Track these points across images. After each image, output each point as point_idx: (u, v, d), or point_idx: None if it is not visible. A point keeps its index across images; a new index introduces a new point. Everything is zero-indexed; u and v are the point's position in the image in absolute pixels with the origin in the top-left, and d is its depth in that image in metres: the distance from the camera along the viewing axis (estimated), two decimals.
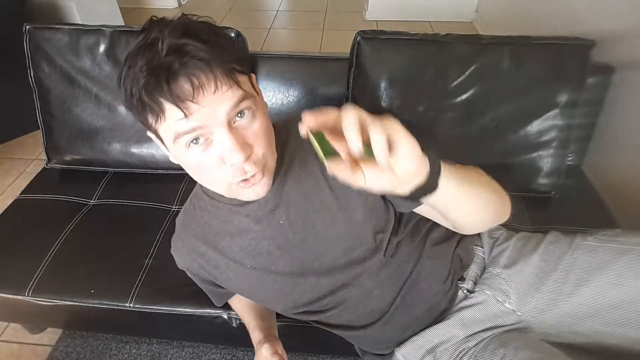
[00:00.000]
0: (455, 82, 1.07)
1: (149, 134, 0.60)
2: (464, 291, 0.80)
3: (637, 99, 1.14)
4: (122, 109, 1.18)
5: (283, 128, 0.71)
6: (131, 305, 0.96)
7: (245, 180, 0.57)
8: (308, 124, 0.41)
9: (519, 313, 0.77)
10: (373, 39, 1.08)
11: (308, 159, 0.68)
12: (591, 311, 0.72)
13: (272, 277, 0.73)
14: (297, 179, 0.68)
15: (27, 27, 1.15)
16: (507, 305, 0.77)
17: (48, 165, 1.28)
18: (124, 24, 1.66)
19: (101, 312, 0.99)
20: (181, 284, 0.84)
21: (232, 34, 1.12)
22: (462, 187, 0.53)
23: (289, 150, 0.68)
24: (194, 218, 0.75)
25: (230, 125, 0.52)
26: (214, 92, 0.50)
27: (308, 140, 0.43)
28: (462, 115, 1.08)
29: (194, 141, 0.53)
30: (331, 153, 0.42)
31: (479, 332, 0.76)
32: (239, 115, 0.54)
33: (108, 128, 1.20)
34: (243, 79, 0.55)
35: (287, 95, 1.18)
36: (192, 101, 0.49)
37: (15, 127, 2.02)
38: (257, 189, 0.59)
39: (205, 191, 0.74)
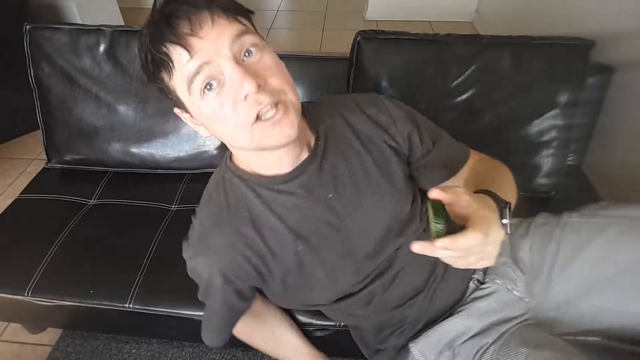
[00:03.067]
0: (455, 82, 1.07)
1: (176, 110, 0.61)
2: (475, 282, 0.80)
3: (637, 99, 1.14)
4: (122, 108, 1.18)
5: (312, 108, 0.71)
6: (130, 305, 0.96)
7: (265, 119, 0.54)
8: (435, 195, 0.48)
9: (526, 300, 0.77)
10: (373, 39, 1.08)
11: (345, 134, 0.69)
12: (584, 289, 0.72)
13: (322, 259, 0.68)
14: (339, 153, 0.68)
15: (27, 27, 1.15)
16: (515, 292, 0.77)
17: (48, 165, 1.28)
18: (124, 24, 1.66)
19: (101, 312, 0.99)
20: (181, 284, 0.84)
21: None
22: None
23: (323, 127, 0.68)
24: (229, 205, 0.67)
25: (237, 60, 0.53)
26: (212, 25, 0.52)
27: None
28: (462, 115, 1.08)
29: (207, 87, 0.52)
30: (441, 223, 0.47)
31: (494, 324, 0.74)
32: (247, 54, 0.54)
33: (108, 128, 1.20)
34: (243, 19, 0.56)
35: None
36: (192, 34, 0.51)
37: (15, 127, 2.02)
38: (284, 129, 0.54)
39: (239, 174, 0.67)
